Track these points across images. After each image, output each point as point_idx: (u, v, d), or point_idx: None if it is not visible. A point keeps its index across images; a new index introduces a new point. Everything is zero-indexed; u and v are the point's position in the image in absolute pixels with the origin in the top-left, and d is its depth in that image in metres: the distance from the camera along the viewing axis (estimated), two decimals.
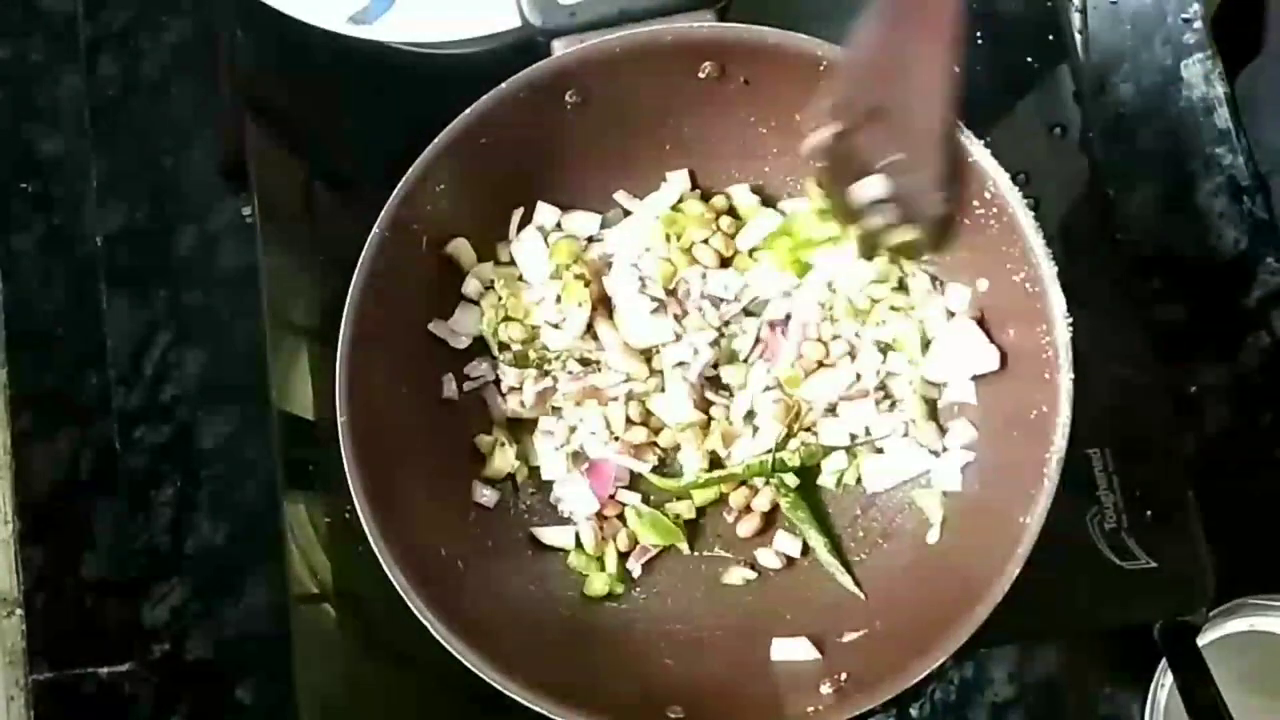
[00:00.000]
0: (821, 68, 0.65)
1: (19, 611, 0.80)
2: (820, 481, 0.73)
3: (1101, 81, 0.84)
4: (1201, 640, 0.72)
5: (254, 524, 0.80)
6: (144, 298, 0.83)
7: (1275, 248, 0.82)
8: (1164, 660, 0.72)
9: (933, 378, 0.72)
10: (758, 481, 0.73)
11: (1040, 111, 0.80)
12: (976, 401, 0.70)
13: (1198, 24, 0.85)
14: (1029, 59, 0.81)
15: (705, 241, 0.73)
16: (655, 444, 0.73)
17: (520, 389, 0.73)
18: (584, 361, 0.73)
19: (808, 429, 0.73)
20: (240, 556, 0.79)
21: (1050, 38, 0.81)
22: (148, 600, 0.79)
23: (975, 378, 0.70)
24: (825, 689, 0.64)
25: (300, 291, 0.83)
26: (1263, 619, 0.73)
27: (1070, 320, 0.62)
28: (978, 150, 0.64)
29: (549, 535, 0.73)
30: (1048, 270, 0.63)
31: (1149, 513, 0.74)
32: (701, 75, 0.69)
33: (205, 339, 0.82)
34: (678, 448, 0.73)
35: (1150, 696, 0.73)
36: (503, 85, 0.67)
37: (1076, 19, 0.85)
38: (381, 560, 0.63)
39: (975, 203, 0.65)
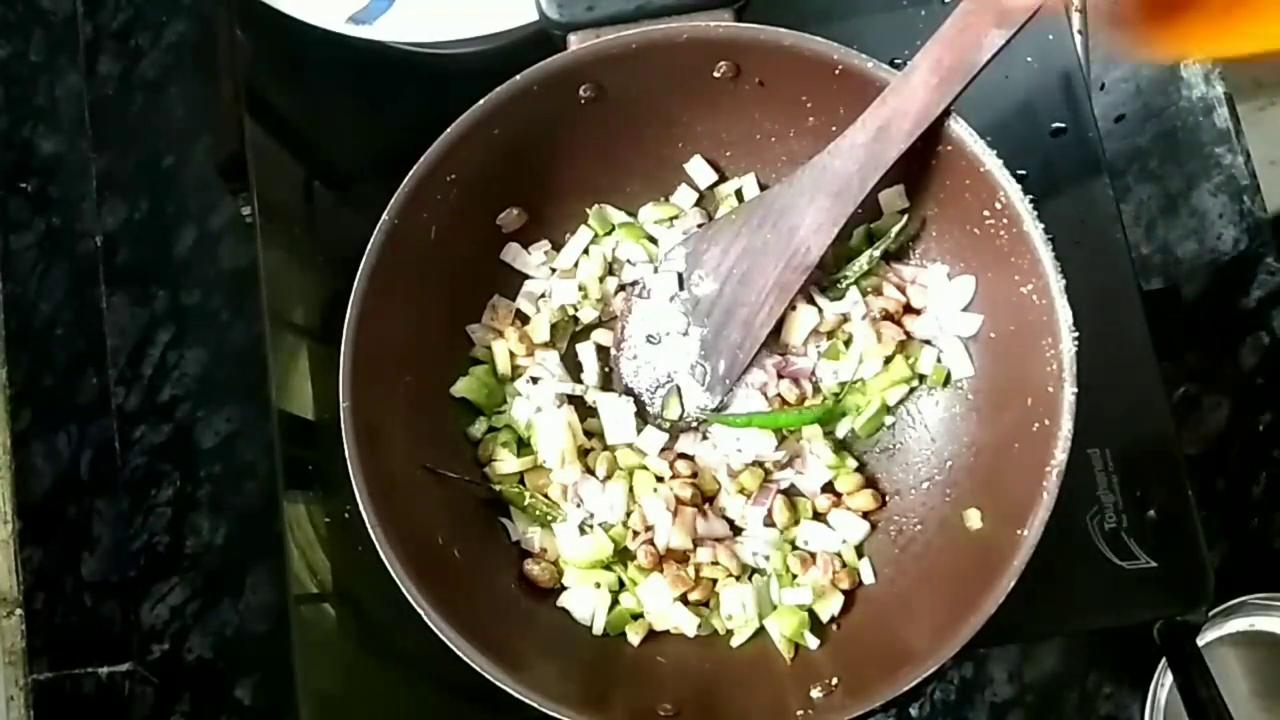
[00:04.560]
0: (837, 71, 0.65)
1: (19, 611, 0.80)
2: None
3: (1101, 81, 0.84)
4: (1201, 640, 0.72)
5: (254, 524, 0.80)
6: (144, 297, 0.83)
7: (1275, 248, 0.82)
8: (1164, 660, 0.72)
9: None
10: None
11: (1040, 111, 0.80)
12: (978, 415, 0.70)
13: None
14: (1029, 59, 0.81)
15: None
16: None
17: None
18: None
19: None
20: (240, 556, 0.79)
21: (1050, 38, 0.81)
22: (148, 600, 0.79)
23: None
24: (816, 693, 0.65)
25: (300, 291, 0.83)
26: (1263, 619, 0.73)
27: (1076, 335, 0.62)
28: (990, 161, 0.64)
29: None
30: (1056, 284, 0.63)
31: (1149, 513, 0.74)
32: (716, 75, 0.69)
33: (205, 339, 0.83)
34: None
35: (1150, 696, 0.73)
36: (517, 77, 0.67)
37: (1076, 19, 0.85)
38: (378, 546, 0.63)
39: (985, 213, 0.66)
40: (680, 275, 0.72)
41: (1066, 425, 0.62)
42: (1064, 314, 0.63)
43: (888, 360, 0.72)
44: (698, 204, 0.76)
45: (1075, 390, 0.62)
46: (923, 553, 0.70)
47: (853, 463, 0.73)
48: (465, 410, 0.74)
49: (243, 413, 0.81)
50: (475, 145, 0.67)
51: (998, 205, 0.65)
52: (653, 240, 0.76)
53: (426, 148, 0.66)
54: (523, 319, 0.75)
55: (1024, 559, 0.61)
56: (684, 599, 0.70)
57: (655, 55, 0.67)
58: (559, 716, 0.62)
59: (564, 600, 0.71)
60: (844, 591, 0.70)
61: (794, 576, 0.70)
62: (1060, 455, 0.62)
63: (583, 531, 0.71)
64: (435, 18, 0.78)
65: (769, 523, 0.71)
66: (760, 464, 0.72)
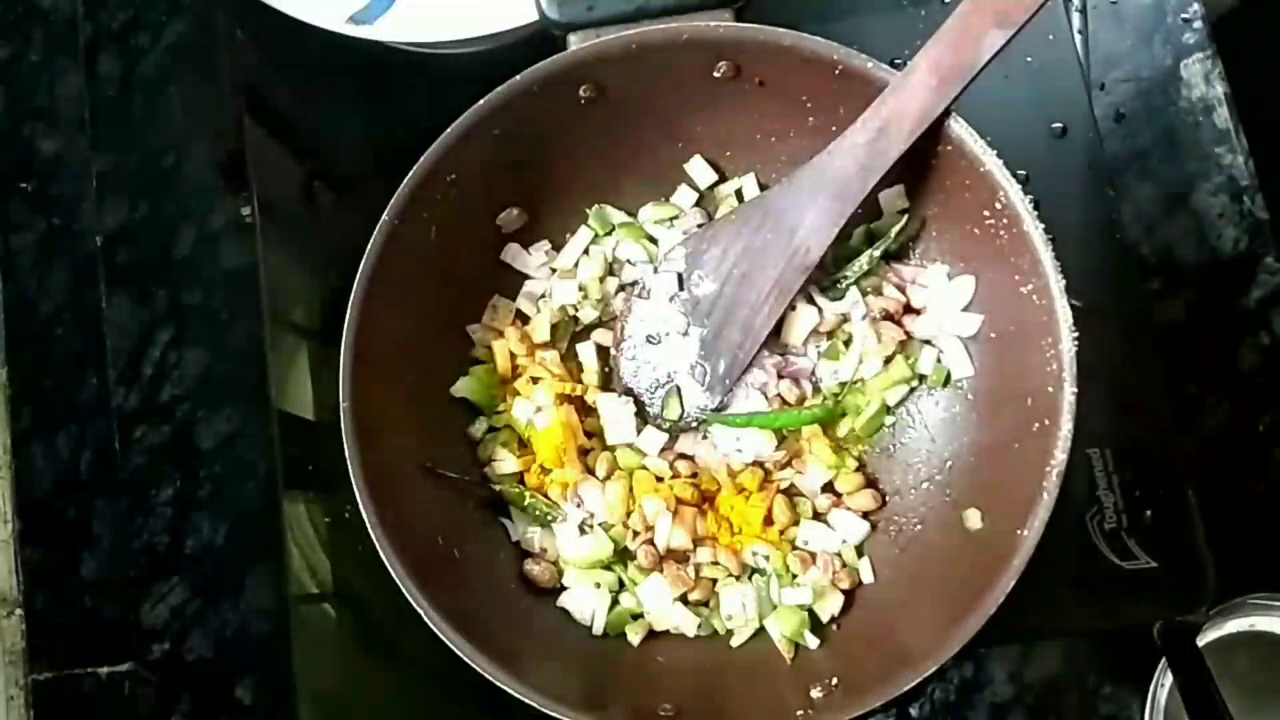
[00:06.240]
0: (837, 71, 0.65)
1: (19, 611, 0.80)
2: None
3: (1101, 81, 0.84)
4: (1201, 640, 0.72)
5: (254, 524, 0.80)
6: (144, 297, 0.83)
7: (1275, 248, 0.82)
8: (1164, 660, 0.72)
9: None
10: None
11: (1040, 111, 0.80)
12: (978, 415, 0.70)
13: (1198, 24, 0.85)
14: (1029, 59, 0.81)
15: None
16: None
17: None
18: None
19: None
20: (240, 556, 0.79)
21: (1050, 38, 0.81)
22: (148, 600, 0.79)
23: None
24: (815, 693, 0.65)
25: (300, 291, 0.83)
26: (1263, 619, 0.73)
27: (1076, 335, 0.62)
28: (990, 160, 0.64)
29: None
30: (1056, 284, 0.63)
31: (1149, 513, 0.74)
32: (717, 74, 0.68)
33: (205, 339, 0.82)
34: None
35: (1150, 696, 0.73)
36: (517, 77, 0.67)
37: (1076, 19, 0.85)
38: (378, 546, 0.63)
39: (985, 213, 0.66)
40: (680, 275, 0.72)
41: (1066, 425, 0.62)
42: (1064, 314, 0.63)
43: (888, 360, 0.72)
44: (698, 204, 0.76)
45: (1075, 390, 0.62)
46: (923, 553, 0.70)
47: (853, 463, 0.73)
48: (465, 410, 0.74)
49: (243, 413, 0.81)
50: (475, 145, 0.67)
51: (998, 205, 0.65)
52: (653, 240, 0.76)
53: (426, 148, 0.66)
54: (523, 319, 0.75)
55: (1024, 559, 0.61)
56: (684, 599, 0.70)
57: (655, 55, 0.67)
58: (559, 716, 0.62)
59: (564, 600, 0.71)
60: (844, 591, 0.70)
61: (794, 576, 0.70)
62: (1060, 455, 0.62)
63: (583, 531, 0.71)
64: (435, 18, 0.78)
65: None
66: (760, 464, 0.72)
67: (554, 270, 0.76)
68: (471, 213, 0.71)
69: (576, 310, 0.75)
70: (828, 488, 0.72)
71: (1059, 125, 0.80)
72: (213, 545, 0.80)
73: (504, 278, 0.76)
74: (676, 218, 0.76)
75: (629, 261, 0.76)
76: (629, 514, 0.71)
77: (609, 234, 0.76)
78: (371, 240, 0.66)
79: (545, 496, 0.71)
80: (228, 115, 0.85)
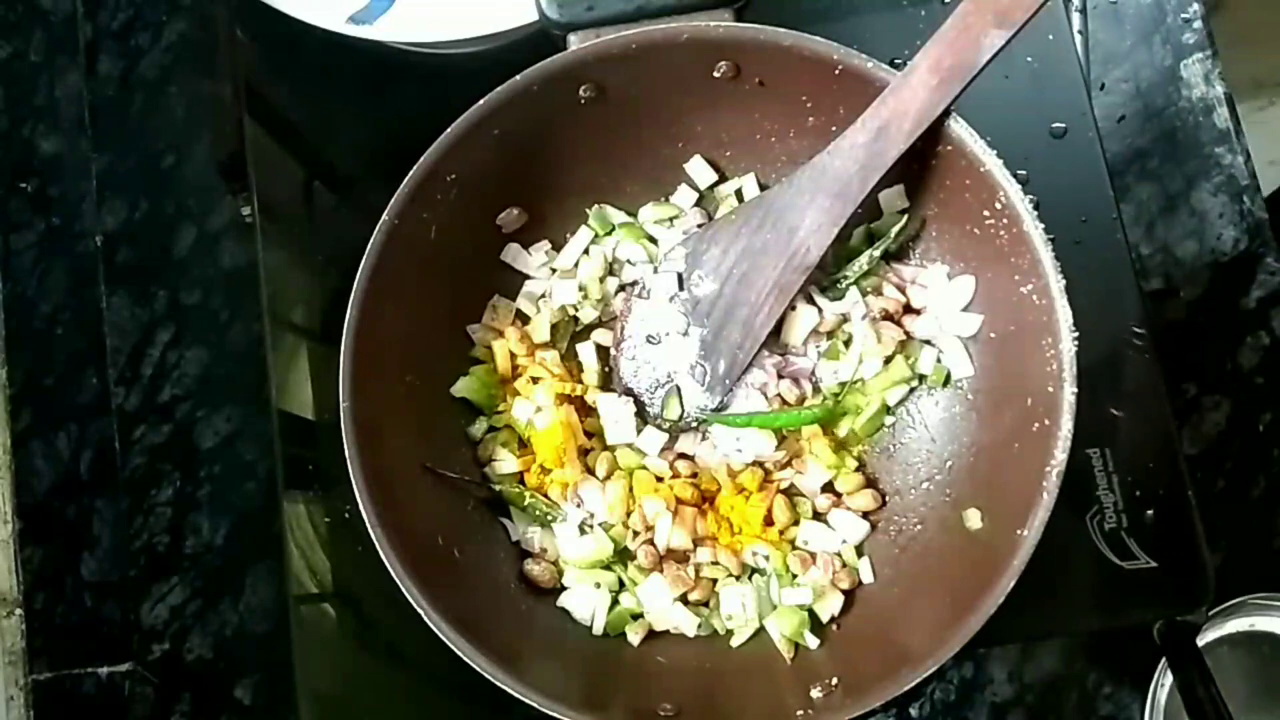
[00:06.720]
0: (837, 71, 0.65)
1: (19, 611, 0.80)
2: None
3: (1101, 81, 0.84)
4: (1201, 640, 0.72)
5: (254, 524, 0.80)
6: (144, 297, 0.83)
7: (1275, 248, 0.82)
8: (1164, 660, 0.72)
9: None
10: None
11: (1040, 111, 0.80)
12: (978, 415, 0.70)
13: (1198, 24, 0.85)
14: (1029, 59, 0.81)
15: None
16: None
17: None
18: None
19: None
20: (240, 556, 0.79)
21: (1050, 38, 0.81)
22: (148, 600, 0.79)
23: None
24: (815, 693, 0.65)
25: (300, 291, 0.83)
26: (1263, 619, 0.73)
27: (1076, 335, 0.62)
28: (990, 161, 0.64)
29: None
30: (1056, 284, 0.63)
31: (1149, 513, 0.74)
32: (716, 74, 0.69)
33: (205, 339, 0.83)
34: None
35: (1150, 696, 0.73)
36: (517, 77, 0.67)
37: (1076, 19, 0.85)
38: (378, 546, 0.63)
39: (985, 213, 0.66)
40: (680, 275, 0.72)
41: (1066, 425, 0.62)
42: (1064, 314, 0.63)
43: (888, 360, 0.72)
44: (698, 204, 0.76)
45: (1075, 390, 0.62)
46: (923, 553, 0.70)
47: (853, 463, 0.73)
48: (465, 410, 0.74)
49: (243, 413, 0.81)
50: (475, 145, 0.67)
51: (998, 205, 0.65)
52: (653, 240, 0.76)
53: (426, 148, 0.66)
54: (523, 319, 0.75)
55: (1024, 559, 0.61)
56: (684, 599, 0.70)
57: (655, 55, 0.67)
58: (559, 716, 0.62)
59: (564, 600, 0.71)
60: (844, 591, 0.70)
61: (794, 576, 0.70)
62: (1060, 455, 0.62)
63: (583, 531, 0.71)
64: (435, 18, 0.78)
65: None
66: (760, 464, 0.72)
67: (554, 270, 0.76)
68: (471, 213, 0.71)
69: (576, 310, 0.75)
70: (828, 488, 0.72)
71: (1059, 125, 0.80)
72: (213, 545, 0.80)
73: (504, 278, 0.76)
74: (676, 218, 0.76)
75: (629, 261, 0.76)
76: (629, 514, 0.71)
77: (609, 234, 0.76)
78: (371, 240, 0.66)
79: (545, 496, 0.71)
80: (228, 115, 0.85)
